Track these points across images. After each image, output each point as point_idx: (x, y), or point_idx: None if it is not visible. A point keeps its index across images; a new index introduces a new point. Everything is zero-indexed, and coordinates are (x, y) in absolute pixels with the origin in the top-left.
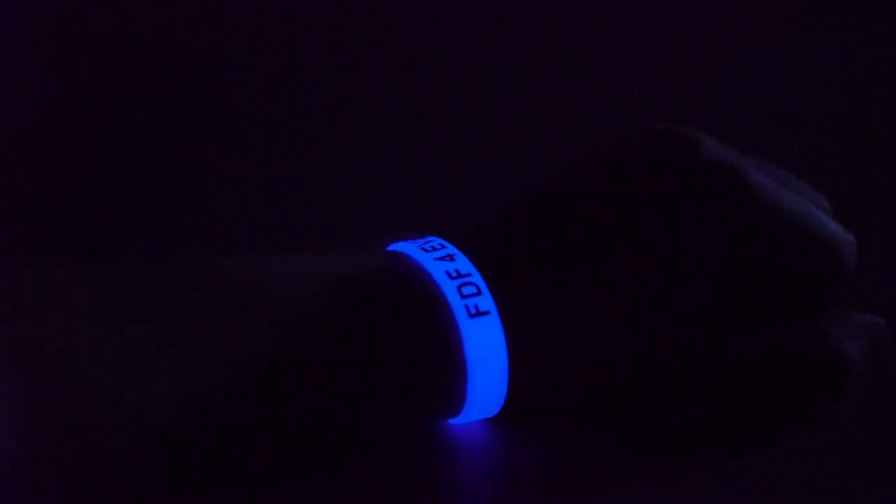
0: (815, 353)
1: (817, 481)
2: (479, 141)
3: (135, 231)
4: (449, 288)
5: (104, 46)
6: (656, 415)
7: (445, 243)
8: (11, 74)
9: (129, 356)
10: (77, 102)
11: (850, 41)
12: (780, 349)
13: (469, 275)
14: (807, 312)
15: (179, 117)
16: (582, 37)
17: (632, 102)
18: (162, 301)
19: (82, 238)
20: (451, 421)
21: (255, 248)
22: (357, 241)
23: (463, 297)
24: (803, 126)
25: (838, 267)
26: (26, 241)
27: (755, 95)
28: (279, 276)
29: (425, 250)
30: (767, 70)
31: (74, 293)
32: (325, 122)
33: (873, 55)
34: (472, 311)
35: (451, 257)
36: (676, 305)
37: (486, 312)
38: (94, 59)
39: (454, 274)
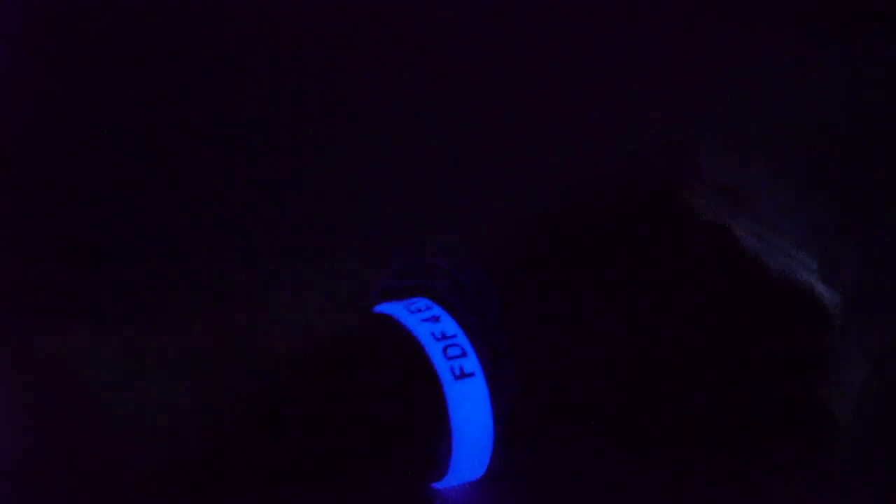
0: (800, 414)
1: (817, 481)
2: (479, 141)
3: (135, 231)
4: (434, 350)
5: (103, 47)
6: (649, 466)
7: (431, 304)
8: (11, 75)
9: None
10: (76, 103)
11: (850, 43)
12: (766, 402)
13: (454, 336)
14: (798, 362)
15: (179, 118)
16: (582, 36)
17: (632, 102)
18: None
19: (82, 238)
20: (436, 485)
21: (255, 249)
22: (351, 247)
23: (448, 358)
24: (803, 126)
25: (823, 325)
26: (26, 241)
27: (755, 95)
28: (268, 339)
29: (411, 311)
30: (767, 70)
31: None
32: (326, 123)
33: (874, 56)
34: (457, 372)
35: (436, 318)
36: (668, 351)
37: (471, 374)
38: (94, 59)
39: (439, 336)
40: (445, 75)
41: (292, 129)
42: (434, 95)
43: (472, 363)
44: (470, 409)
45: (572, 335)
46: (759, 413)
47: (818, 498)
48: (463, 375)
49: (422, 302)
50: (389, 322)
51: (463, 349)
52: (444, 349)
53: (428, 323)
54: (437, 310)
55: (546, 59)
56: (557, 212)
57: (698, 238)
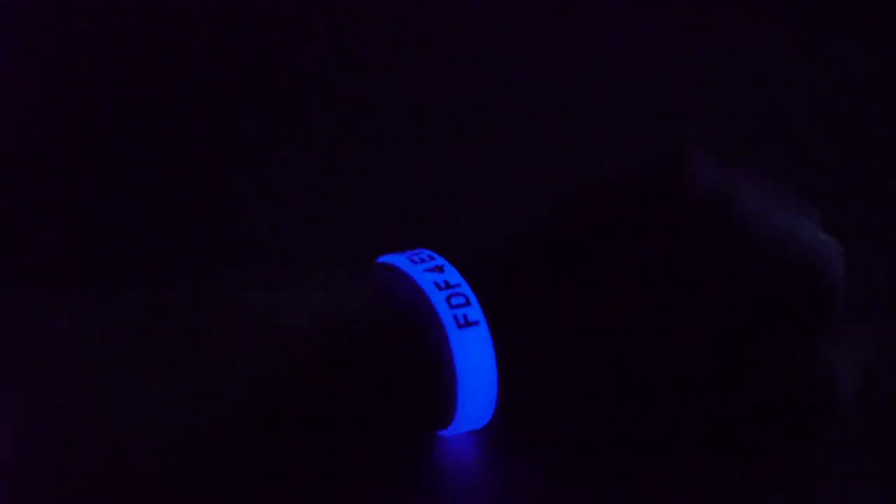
0: (806, 387)
1: (817, 482)
2: (479, 141)
3: (134, 234)
4: (438, 299)
5: (103, 47)
6: (651, 421)
7: (434, 255)
8: (11, 74)
9: (133, 390)
10: (75, 103)
11: (850, 40)
12: (770, 380)
13: (458, 285)
14: (803, 327)
15: (176, 119)
16: (582, 34)
17: (634, 102)
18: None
19: (80, 239)
20: (442, 433)
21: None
22: (350, 247)
23: (452, 307)
24: (800, 125)
25: (831, 278)
26: (26, 242)
27: (754, 94)
28: (275, 303)
29: (414, 262)
30: (767, 69)
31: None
32: (324, 123)
33: (874, 54)
34: (462, 321)
35: (440, 269)
36: (672, 316)
37: (476, 323)
38: (93, 59)
39: (443, 285)
40: (442, 73)
41: (291, 130)
42: (430, 92)
43: (475, 311)
44: (475, 356)
45: (563, 342)
46: (766, 380)
47: (818, 497)
48: (467, 324)
49: (425, 252)
50: (393, 271)
51: (466, 297)
52: (448, 298)
53: (431, 273)
54: (439, 260)
55: (541, 57)
56: (552, 196)
57: (699, 205)
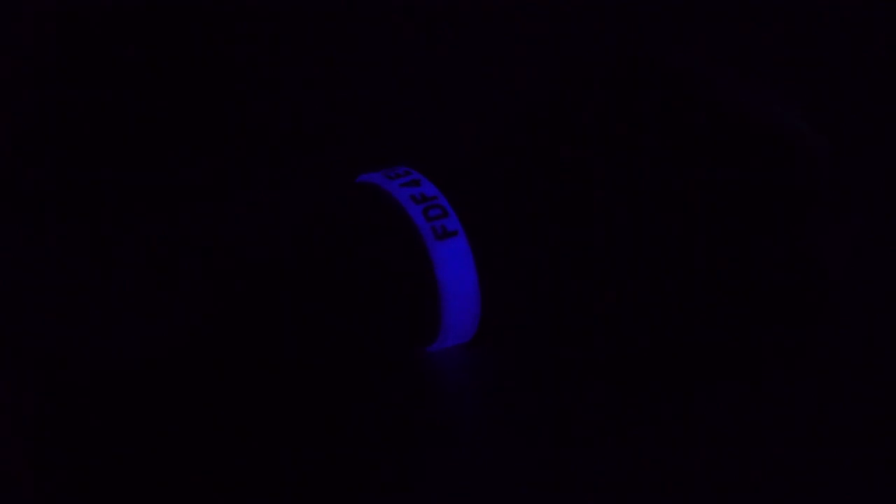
0: (794, 278)
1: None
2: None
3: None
4: (415, 211)
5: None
6: (637, 326)
7: (410, 169)
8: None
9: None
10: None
11: None
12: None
13: (435, 198)
14: (787, 218)
15: (174, 120)
16: None
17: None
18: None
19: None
20: (427, 348)
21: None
22: (327, 168)
23: (429, 219)
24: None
25: (810, 166)
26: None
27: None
28: (257, 215)
29: (390, 177)
30: None
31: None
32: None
33: None
34: (440, 232)
35: (416, 182)
36: (655, 204)
37: (454, 233)
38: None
39: (419, 198)
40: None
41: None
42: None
43: (453, 222)
44: (455, 267)
45: (542, 249)
46: (754, 266)
47: (819, 497)
48: (446, 234)
49: (401, 168)
50: (370, 188)
51: (444, 209)
52: (425, 210)
53: (407, 187)
54: (415, 174)
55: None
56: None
57: (677, 87)
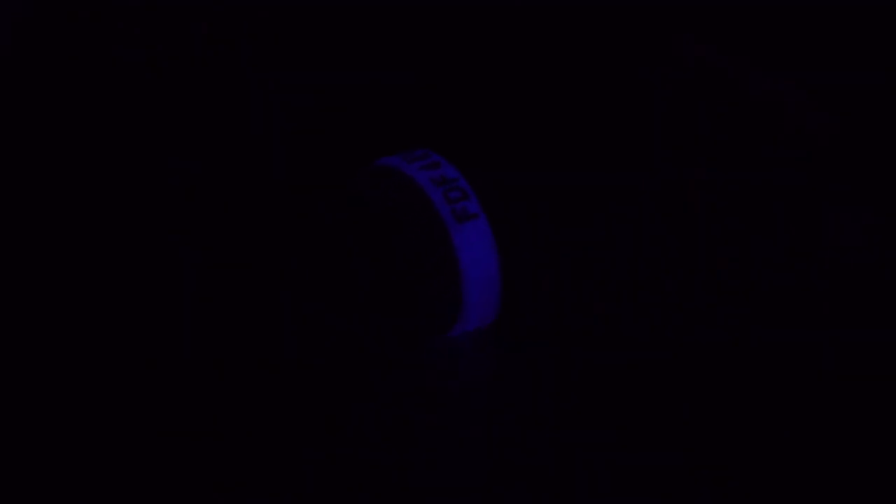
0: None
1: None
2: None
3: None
4: (436, 194)
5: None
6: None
7: (430, 152)
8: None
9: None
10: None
11: None
12: None
13: (455, 179)
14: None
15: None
16: None
17: None
18: None
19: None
20: (450, 333)
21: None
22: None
23: (450, 202)
24: None
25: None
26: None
27: None
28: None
29: (409, 161)
30: None
31: None
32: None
33: None
34: (460, 214)
35: (436, 164)
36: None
37: (475, 215)
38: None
39: (439, 180)
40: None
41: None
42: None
43: (473, 205)
44: (476, 249)
45: (564, 234)
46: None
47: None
48: (466, 217)
49: (420, 152)
50: (389, 171)
51: (464, 191)
52: (446, 193)
53: (427, 170)
54: (435, 157)
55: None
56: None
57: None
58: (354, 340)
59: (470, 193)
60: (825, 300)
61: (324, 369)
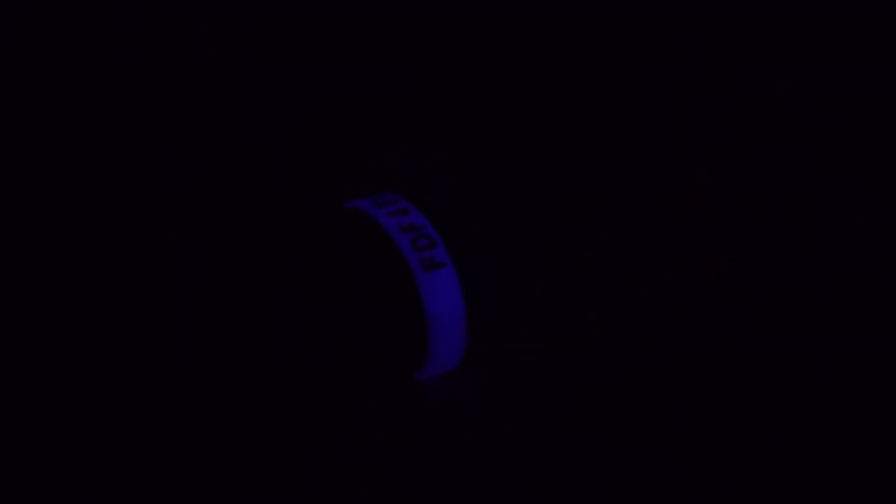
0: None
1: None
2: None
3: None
4: (403, 242)
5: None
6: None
7: (399, 198)
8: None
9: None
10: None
11: None
12: None
13: (423, 227)
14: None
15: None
16: None
17: None
18: None
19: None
20: (416, 376)
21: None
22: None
23: (417, 250)
24: None
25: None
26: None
27: None
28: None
29: (378, 205)
30: None
31: None
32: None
33: None
34: (427, 263)
35: (404, 211)
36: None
37: (442, 264)
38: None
39: (407, 227)
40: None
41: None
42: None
43: (441, 253)
44: (442, 298)
45: (532, 282)
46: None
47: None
48: (433, 266)
49: (389, 196)
50: (357, 216)
51: (432, 239)
52: (413, 241)
53: (396, 216)
54: (403, 203)
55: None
56: None
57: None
58: (355, 341)
59: (438, 241)
60: (824, 302)
61: (324, 369)
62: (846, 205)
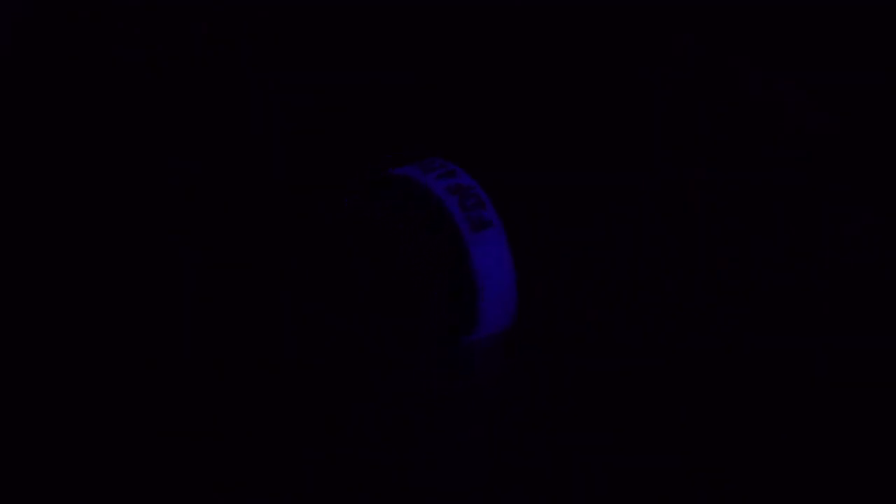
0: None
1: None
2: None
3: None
4: (451, 203)
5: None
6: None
7: (445, 162)
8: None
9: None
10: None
11: None
12: None
13: (471, 187)
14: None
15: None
16: None
17: None
18: None
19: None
20: (465, 338)
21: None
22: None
23: (465, 209)
24: None
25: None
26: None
27: None
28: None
29: (425, 170)
30: None
31: None
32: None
33: None
34: (476, 222)
35: (451, 173)
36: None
37: (490, 223)
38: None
39: (455, 188)
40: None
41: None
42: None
43: (490, 213)
44: (492, 257)
45: (579, 240)
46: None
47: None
48: (482, 225)
49: (436, 161)
50: (406, 181)
51: (480, 199)
52: (462, 201)
53: (443, 179)
54: (451, 166)
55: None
56: None
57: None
58: (355, 341)
59: (486, 201)
60: (824, 302)
61: (324, 369)
62: (846, 205)
